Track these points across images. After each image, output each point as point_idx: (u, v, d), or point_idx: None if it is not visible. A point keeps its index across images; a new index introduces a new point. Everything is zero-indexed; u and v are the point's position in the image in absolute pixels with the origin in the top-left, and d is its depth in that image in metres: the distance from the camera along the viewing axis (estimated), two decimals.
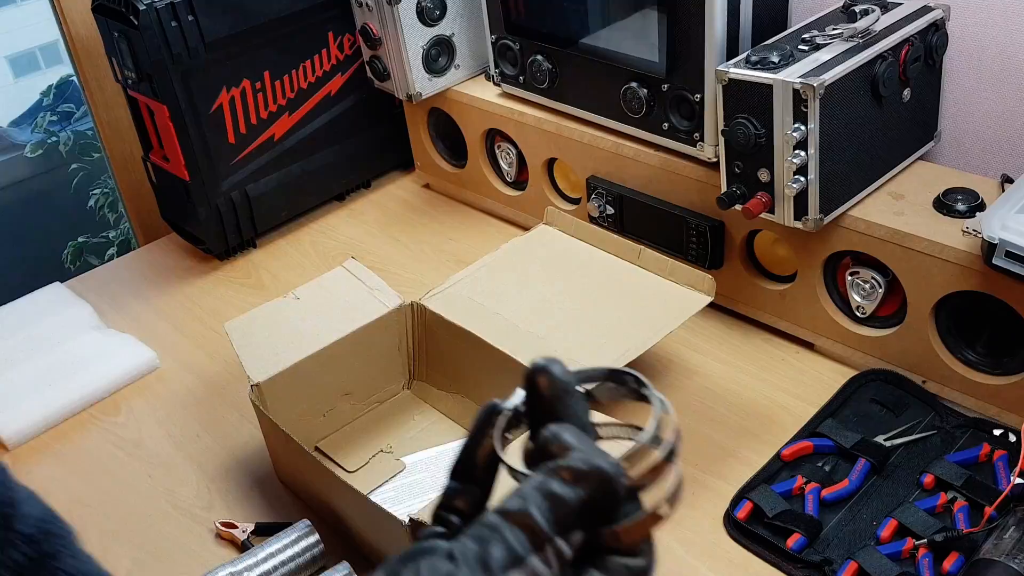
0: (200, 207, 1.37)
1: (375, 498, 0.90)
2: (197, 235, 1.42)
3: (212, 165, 1.36)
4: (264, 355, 1.00)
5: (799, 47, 0.99)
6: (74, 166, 1.61)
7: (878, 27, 1.01)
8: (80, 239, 1.63)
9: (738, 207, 1.03)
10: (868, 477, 0.94)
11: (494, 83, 1.35)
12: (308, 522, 0.92)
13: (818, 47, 0.99)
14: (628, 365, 0.96)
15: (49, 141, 1.57)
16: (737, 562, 0.89)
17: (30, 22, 1.52)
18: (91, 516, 1.02)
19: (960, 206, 0.99)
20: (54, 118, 1.57)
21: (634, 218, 1.22)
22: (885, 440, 0.97)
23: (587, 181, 1.26)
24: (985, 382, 0.98)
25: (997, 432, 0.96)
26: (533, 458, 0.40)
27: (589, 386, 0.44)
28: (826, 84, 0.93)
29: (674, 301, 1.03)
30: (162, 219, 1.49)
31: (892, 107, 1.03)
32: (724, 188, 1.05)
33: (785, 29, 1.09)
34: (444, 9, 1.33)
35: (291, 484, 1.02)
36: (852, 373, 1.07)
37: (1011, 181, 1.01)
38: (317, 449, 1.05)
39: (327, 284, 1.11)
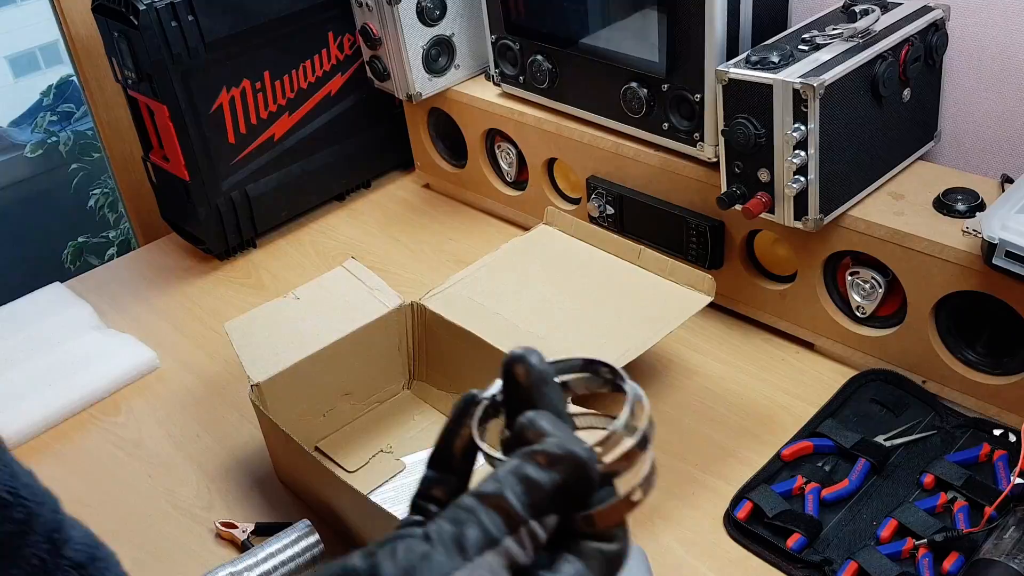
0: (200, 207, 1.37)
1: (375, 498, 0.90)
2: (197, 235, 1.42)
3: (212, 165, 1.36)
4: (264, 355, 1.00)
5: (799, 47, 0.99)
6: (74, 166, 1.61)
7: (878, 27, 1.01)
8: (80, 239, 1.63)
9: (738, 207, 1.03)
10: (868, 477, 0.94)
11: (494, 83, 1.35)
12: (308, 522, 0.92)
13: (818, 47, 0.99)
14: (628, 365, 0.96)
15: (49, 141, 1.57)
16: (737, 562, 0.89)
17: (30, 22, 1.52)
18: (91, 516, 1.01)
19: (960, 206, 0.99)
20: (54, 118, 1.57)
21: (634, 218, 1.22)
22: (885, 440, 0.97)
23: (587, 181, 1.26)
24: (985, 382, 0.98)
25: (997, 432, 0.96)
26: (510, 445, 0.40)
27: (565, 377, 0.45)
28: (826, 84, 0.93)
29: (674, 301, 1.03)
30: (162, 219, 1.49)
31: (892, 107, 1.03)
32: (724, 188, 1.05)
33: (785, 29, 1.09)
34: (444, 9, 1.33)
35: (291, 484, 1.02)
36: (852, 373, 1.07)
37: (1011, 181, 1.01)
38: (317, 449, 1.05)
39: (327, 284, 1.11)
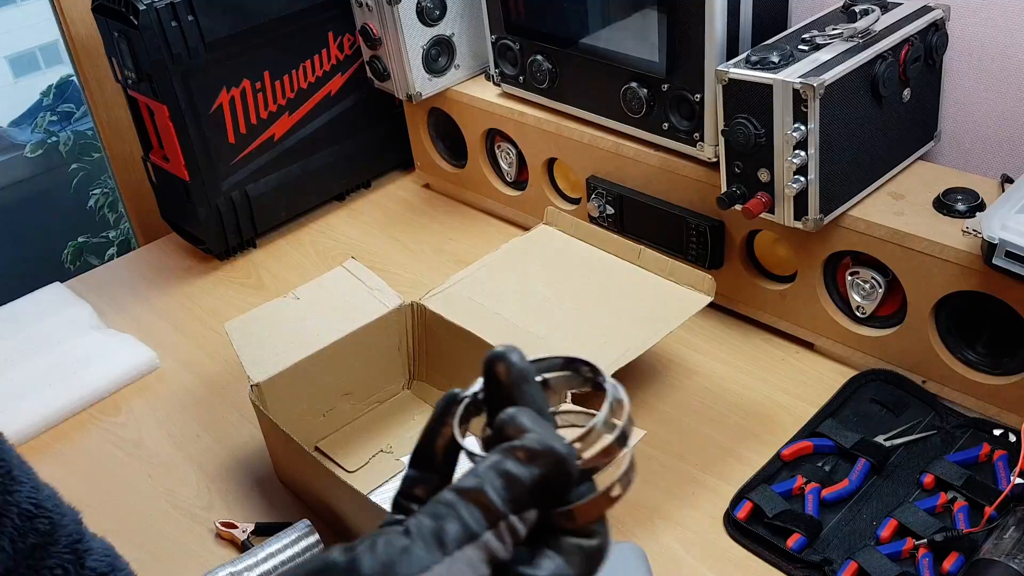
0: (200, 207, 1.37)
1: (375, 498, 0.90)
2: (197, 235, 1.42)
3: (212, 165, 1.36)
4: (264, 355, 1.00)
5: (799, 47, 0.99)
6: (74, 166, 1.61)
7: (878, 27, 1.01)
8: (80, 239, 1.63)
9: (738, 207, 1.03)
10: (868, 477, 0.94)
11: (494, 83, 1.35)
12: (308, 522, 0.92)
13: (818, 47, 0.99)
14: (628, 365, 0.96)
15: (49, 141, 1.57)
16: (737, 562, 0.89)
17: (30, 22, 1.52)
18: (91, 516, 1.02)
19: (960, 206, 0.99)
20: (54, 118, 1.57)
21: (634, 218, 1.22)
22: (885, 440, 0.97)
23: (587, 181, 1.26)
24: (985, 382, 0.98)
25: (997, 432, 0.96)
26: (491, 443, 0.40)
27: (546, 376, 0.45)
28: (826, 84, 0.93)
29: (674, 301, 1.03)
30: (162, 219, 1.49)
31: (892, 107, 1.03)
32: (724, 188, 1.05)
33: (785, 29, 1.09)
34: (444, 9, 1.33)
35: (291, 484, 1.02)
36: (852, 373, 1.07)
37: (1011, 181, 1.01)
38: (317, 449, 1.05)
39: (327, 284, 1.11)
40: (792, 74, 0.94)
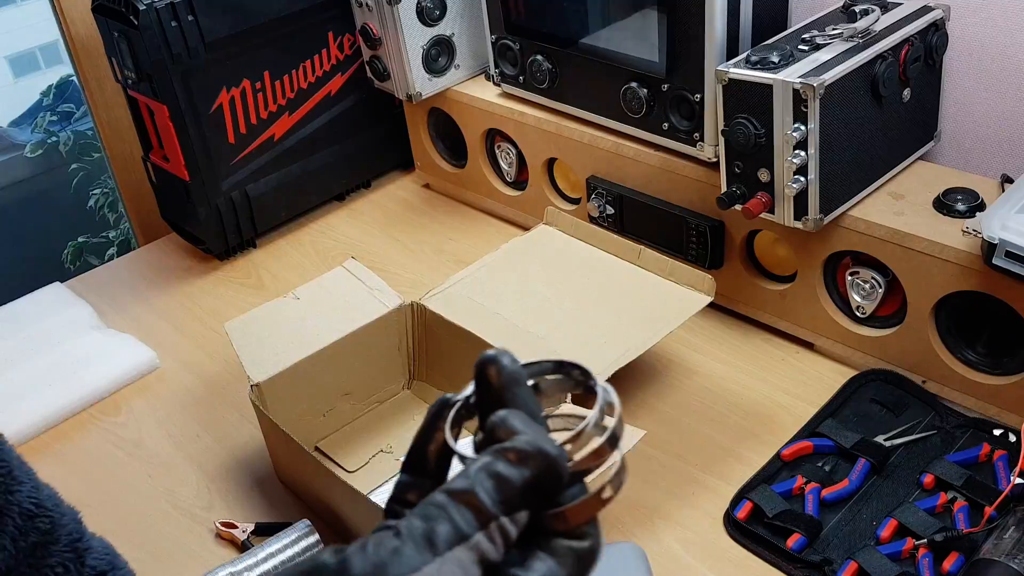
0: (200, 207, 1.37)
1: (375, 498, 0.90)
2: (197, 235, 1.42)
3: (212, 165, 1.36)
4: (264, 355, 1.00)
5: (799, 47, 0.99)
6: (74, 166, 1.61)
7: (878, 27, 1.01)
8: (80, 239, 1.63)
9: (738, 207, 1.03)
10: (868, 477, 0.94)
11: (494, 83, 1.35)
12: (308, 522, 0.92)
13: (818, 47, 0.99)
14: (628, 365, 0.96)
15: (49, 141, 1.57)
16: (737, 562, 0.89)
17: (30, 22, 1.52)
18: (91, 516, 1.02)
19: (960, 206, 0.99)
20: (54, 118, 1.57)
21: (634, 218, 1.22)
22: (885, 440, 0.97)
23: (587, 181, 1.26)
24: (985, 382, 0.98)
25: (997, 432, 0.96)
26: (482, 446, 0.41)
27: (537, 380, 0.45)
28: (826, 84, 0.93)
29: (674, 301, 1.03)
30: (162, 219, 1.49)
31: (892, 107, 1.03)
32: (724, 188, 1.05)
33: (785, 29, 1.09)
34: (444, 9, 1.33)
35: (291, 484, 1.02)
36: (852, 373, 1.07)
37: (1011, 181, 1.01)
38: (317, 449, 1.05)
39: (327, 284, 1.11)
40: (792, 74, 0.94)
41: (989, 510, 0.86)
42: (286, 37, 1.38)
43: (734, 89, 0.98)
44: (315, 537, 0.91)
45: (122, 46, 1.28)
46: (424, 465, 0.43)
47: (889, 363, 1.05)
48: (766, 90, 0.95)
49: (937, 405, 1.01)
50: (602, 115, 1.21)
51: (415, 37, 1.32)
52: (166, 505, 1.03)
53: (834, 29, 1.00)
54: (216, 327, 1.25)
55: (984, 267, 0.90)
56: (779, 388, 1.07)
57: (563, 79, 1.24)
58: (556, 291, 1.08)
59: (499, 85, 1.34)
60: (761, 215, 1.01)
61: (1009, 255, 0.86)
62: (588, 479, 0.41)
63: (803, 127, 0.94)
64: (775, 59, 0.97)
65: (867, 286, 1.04)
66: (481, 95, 1.36)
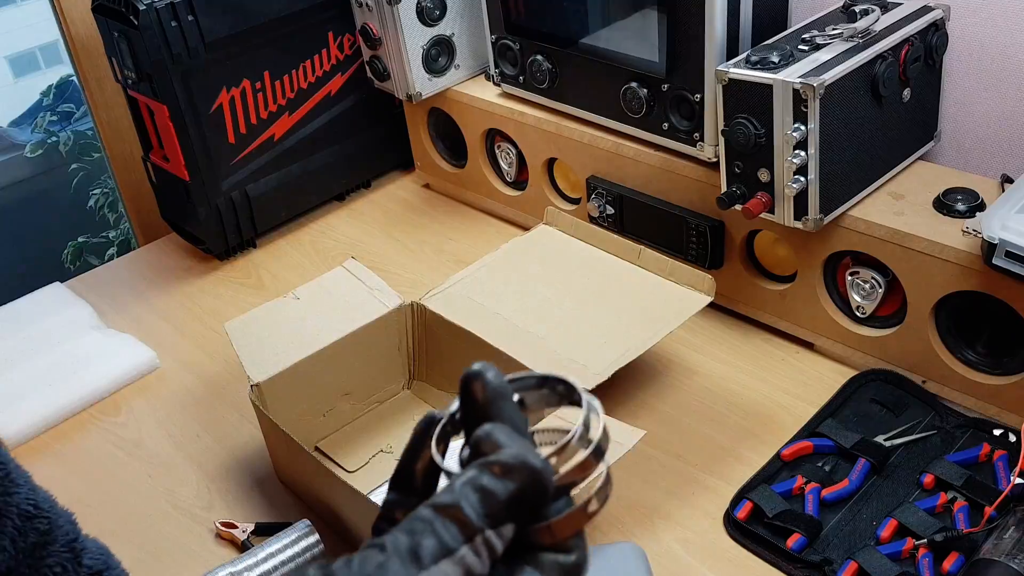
0: (200, 207, 1.37)
1: (375, 498, 0.90)
2: (197, 235, 1.42)
3: (212, 165, 1.36)
4: (264, 355, 1.00)
5: (799, 47, 0.99)
6: (74, 166, 1.60)
7: (878, 27, 1.01)
8: (80, 239, 1.63)
9: (738, 207, 1.03)
10: (868, 477, 0.94)
11: (494, 83, 1.35)
12: (308, 522, 0.92)
13: (818, 47, 0.99)
14: (628, 365, 0.96)
15: (49, 141, 1.57)
16: (737, 562, 0.89)
17: (30, 22, 1.52)
18: (91, 516, 1.02)
19: (960, 206, 0.99)
20: (54, 118, 1.57)
21: (634, 218, 1.22)
22: (885, 440, 0.97)
23: (587, 181, 1.26)
24: (985, 382, 0.98)
25: (997, 432, 0.96)
26: (468, 461, 0.40)
27: (522, 395, 0.45)
28: (826, 84, 0.93)
29: (674, 301, 1.03)
30: (162, 219, 1.49)
31: (892, 107, 1.03)
32: (724, 188, 1.05)
33: (785, 29, 1.09)
34: (444, 9, 1.33)
35: (291, 484, 1.02)
36: (852, 373, 1.07)
37: (1011, 181, 1.01)
38: (317, 449, 1.05)
39: (327, 284, 1.11)
40: (792, 74, 0.94)
41: (989, 510, 0.86)
42: (286, 37, 1.38)
43: (734, 89, 0.98)
44: (315, 537, 0.91)
45: (122, 46, 1.28)
46: (411, 483, 0.43)
47: (889, 363, 1.05)
48: (766, 90, 0.95)
49: (937, 405, 1.01)
50: (602, 115, 1.21)
51: (415, 37, 1.32)
52: (166, 505, 1.03)
53: (834, 29, 1.00)
54: (216, 327, 1.25)
55: (984, 267, 0.90)
56: (779, 388, 1.07)
57: (563, 79, 1.24)
58: (556, 291, 1.08)
59: (499, 85, 1.34)
60: (761, 215, 1.01)
61: (1009, 255, 0.86)
62: (574, 492, 0.41)
63: (803, 127, 0.94)
64: (775, 59, 0.97)
65: (867, 286, 1.04)
66: (481, 95, 1.36)
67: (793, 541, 0.88)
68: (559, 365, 0.96)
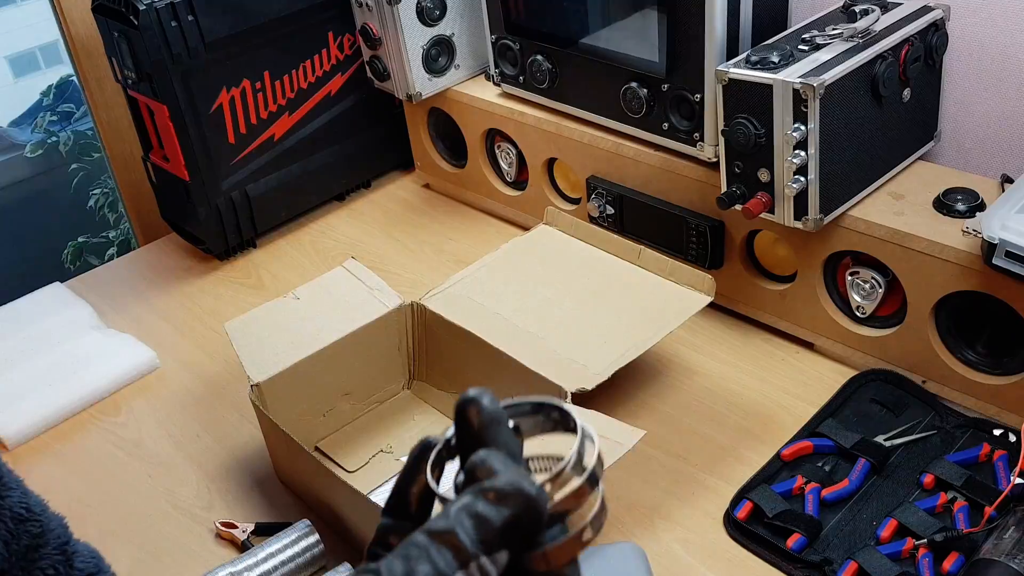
0: (200, 207, 1.37)
1: (375, 498, 0.90)
2: (197, 235, 1.43)
3: (212, 165, 1.36)
4: (264, 355, 1.00)
5: (799, 47, 0.99)
6: (74, 166, 1.61)
7: (878, 27, 1.01)
8: (80, 239, 1.63)
9: (738, 207, 1.03)
10: (868, 477, 0.94)
11: (494, 83, 1.35)
12: (308, 522, 0.92)
13: (818, 47, 0.99)
14: (628, 365, 0.96)
15: (49, 141, 1.57)
16: (737, 562, 0.89)
17: (30, 22, 1.52)
18: (91, 516, 1.02)
19: (960, 206, 0.99)
20: (54, 118, 1.57)
21: (634, 218, 1.22)
22: (885, 440, 0.97)
23: (587, 181, 1.26)
24: (985, 382, 0.98)
25: (997, 432, 0.96)
26: (463, 487, 0.41)
27: (517, 421, 0.46)
28: (826, 84, 0.93)
29: (674, 301, 1.03)
30: (162, 219, 1.49)
31: (892, 107, 1.03)
32: (724, 188, 1.05)
33: (785, 29, 1.09)
34: (444, 9, 1.33)
35: (291, 484, 1.02)
36: (852, 373, 1.07)
37: (1011, 181, 1.01)
38: (317, 449, 1.05)
39: (327, 284, 1.11)
40: (792, 74, 0.94)
41: (989, 510, 0.86)
42: (286, 37, 1.38)
43: (734, 89, 0.98)
44: (315, 537, 0.91)
45: (122, 46, 1.28)
46: (406, 507, 0.43)
47: (889, 363, 1.05)
48: (766, 90, 0.95)
49: (937, 405, 1.01)
50: (602, 115, 1.21)
51: (415, 37, 1.32)
52: (166, 505, 1.03)
53: (834, 29, 1.00)
54: (216, 327, 1.25)
55: (984, 267, 0.90)
56: (779, 388, 1.07)
57: (563, 79, 1.24)
58: (556, 291, 1.08)
59: (499, 85, 1.34)
60: (761, 215, 1.01)
61: (1009, 255, 0.86)
62: (568, 520, 0.41)
63: (803, 127, 0.94)
64: (775, 59, 0.97)
65: (867, 286, 1.04)
66: (481, 95, 1.36)
67: (793, 541, 0.88)
68: (559, 365, 0.96)
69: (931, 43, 1.04)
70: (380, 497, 0.97)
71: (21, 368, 1.21)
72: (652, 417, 1.05)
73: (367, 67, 1.41)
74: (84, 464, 1.10)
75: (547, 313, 1.05)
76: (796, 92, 0.93)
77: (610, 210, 1.24)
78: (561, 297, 1.07)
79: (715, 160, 1.08)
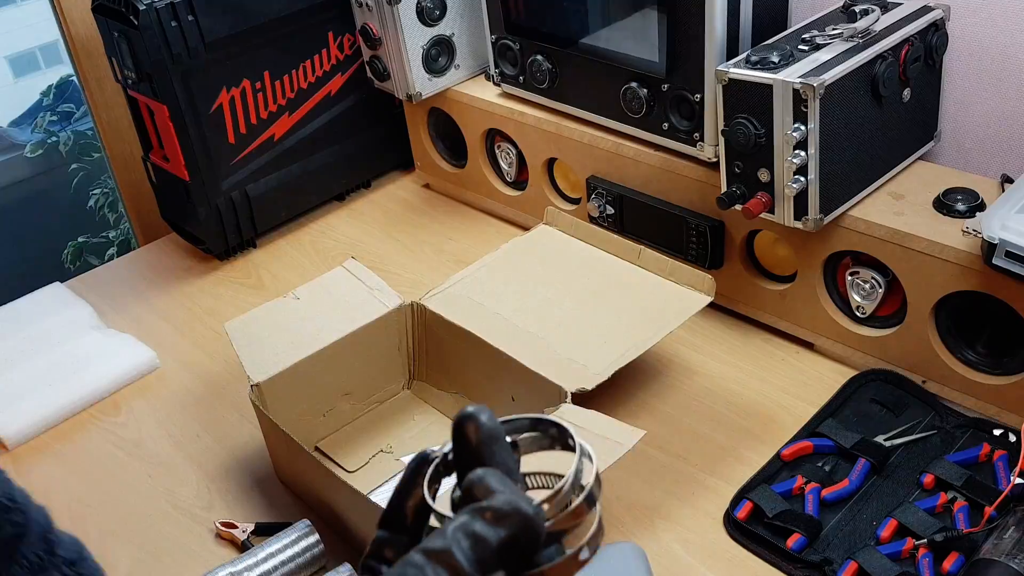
0: (200, 207, 1.37)
1: (375, 498, 0.90)
2: (197, 235, 1.43)
3: (212, 165, 1.36)
4: (264, 355, 1.00)
5: (799, 47, 0.99)
6: (74, 166, 1.61)
7: (878, 27, 1.01)
8: (80, 239, 1.63)
9: (738, 207, 1.03)
10: (868, 477, 0.94)
11: (494, 83, 1.35)
12: (308, 522, 0.92)
13: (818, 47, 0.99)
14: (628, 365, 0.96)
15: (49, 141, 1.57)
16: (737, 562, 0.89)
17: (30, 22, 1.52)
18: (91, 516, 1.02)
19: (960, 206, 0.99)
20: (54, 118, 1.57)
21: (634, 218, 1.22)
22: (885, 440, 0.97)
23: (587, 181, 1.26)
24: (985, 382, 0.98)
25: (997, 432, 0.96)
26: (460, 504, 0.41)
27: (515, 437, 0.46)
28: (826, 84, 0.93)
29: (674, 301, 1.03)
30: (162, 219, 1.49)
31: (892, 107, 1.03)
32: (724, 188, 1.05)
33: (785, 29, 1.09)
34: (444, 9, 1.33)
35: (291, 484, 1.02)
36: (852, 373, 1.07)
37: (1011, 181, 1.01)
38: (317, 449, 1.05)
39: (327, 284, 1.11)
40: (792, 74, 0.94)
41: (989, 510, 0.86)
42: (286, 37, 1.38)
43: (734, 89, 0.98)
44: (315, 537, 0.91)
45: (122, 46, 1.28)
46: (402, 521, 0.43)
47: (889, 363, 1.05)
48: (766, 90, 0.95)
49: (937, 405, 1.01)
50: (602, 115, 1.21)
51: (415, 37, 1.32)
52: (166, 505, 1.03)
53: (834, 29, 1.00)
54: (216, 327, 1.25)
55: (984, 267, 0.90)
56: (779, 388, 1.07)
57: (563, 79, 1.24)
58: (556, 291, 1.08)
59: (499, 85, 1.34)
60: (761, 215, 1.01)
61: (1009, 255, 0.86)
62: (565, 539, 0.41)
63: (803, 127, 0.94)
64: (775, 59, 0.97)
65: (867, 286, 1.04)
66: (481, 95, 1.36)
67: (793, 541, 0.88)
68: (559, 365, 0.96)
69: (931, 43, 1.04)
70: (380, 497, 0.97)
71: (21, 368, 1.21)
72: (652, 417, 1.05)
73: (367, 67, 1.41)
74: (84, 464, 1.10)
75: (547, 313, 1.05)
76: (796, 92, 0.93)
77: (610, 210, 1.24)
78: (561, 297, 1.07)
79: (715, 160, 1.08)
